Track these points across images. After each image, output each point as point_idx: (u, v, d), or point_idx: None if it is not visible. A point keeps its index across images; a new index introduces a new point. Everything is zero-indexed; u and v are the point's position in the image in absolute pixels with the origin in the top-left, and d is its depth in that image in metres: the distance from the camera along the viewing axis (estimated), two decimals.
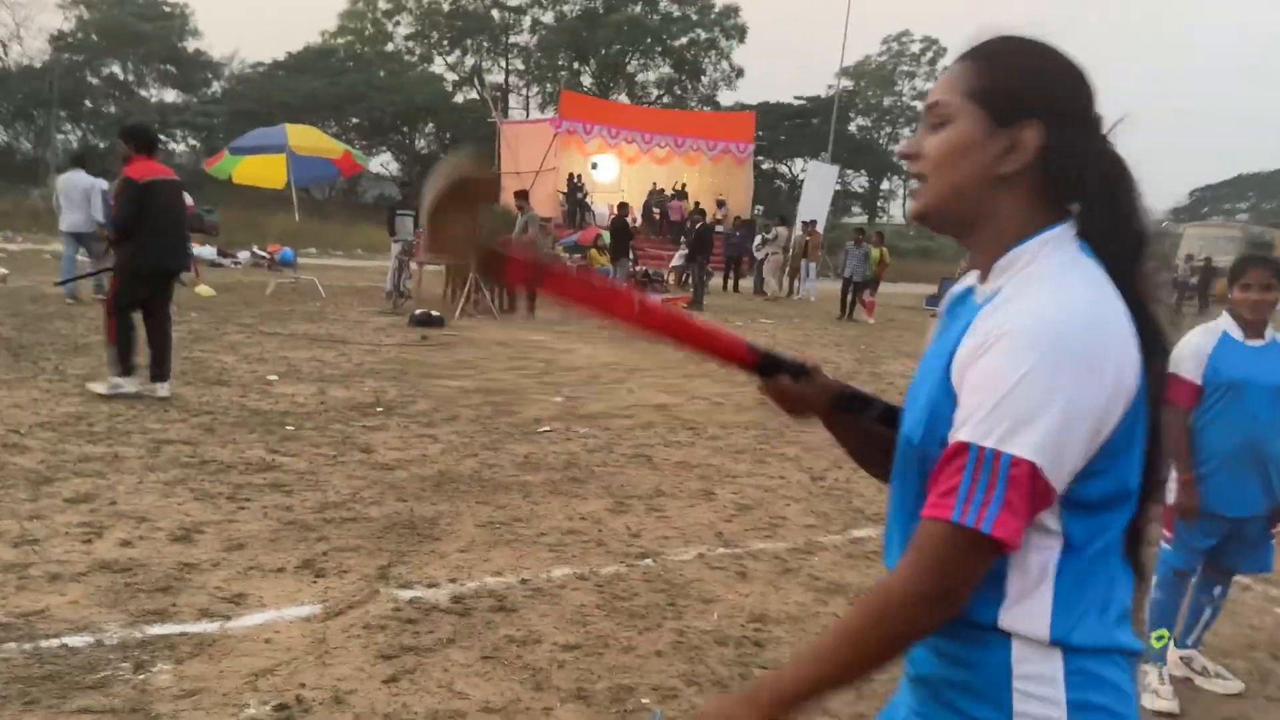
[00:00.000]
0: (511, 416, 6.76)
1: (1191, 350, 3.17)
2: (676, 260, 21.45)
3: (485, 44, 47.81)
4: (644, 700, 2.90)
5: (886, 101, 54.08)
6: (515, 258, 1.30)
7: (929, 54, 54.97)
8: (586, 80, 46.85)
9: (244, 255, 19.06)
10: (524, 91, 49.48)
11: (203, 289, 12.91)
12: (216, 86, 41.13)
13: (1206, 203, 61.81)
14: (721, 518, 4.78)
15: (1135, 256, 1.11)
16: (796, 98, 48.82)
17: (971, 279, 1.20)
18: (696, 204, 24.22)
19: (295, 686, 2.81)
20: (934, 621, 1.06)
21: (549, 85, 47.58)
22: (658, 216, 28.97)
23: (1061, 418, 0.99)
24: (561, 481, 5.18)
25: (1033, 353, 1.00)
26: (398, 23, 47.56)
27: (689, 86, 49.96)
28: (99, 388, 6.35)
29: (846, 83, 49.59)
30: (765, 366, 1.37)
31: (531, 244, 13.47)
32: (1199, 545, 3.25)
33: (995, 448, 1.00)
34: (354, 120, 38.52)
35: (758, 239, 21.52)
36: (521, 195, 14.17)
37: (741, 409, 7.66)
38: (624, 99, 44.26)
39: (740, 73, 49.56)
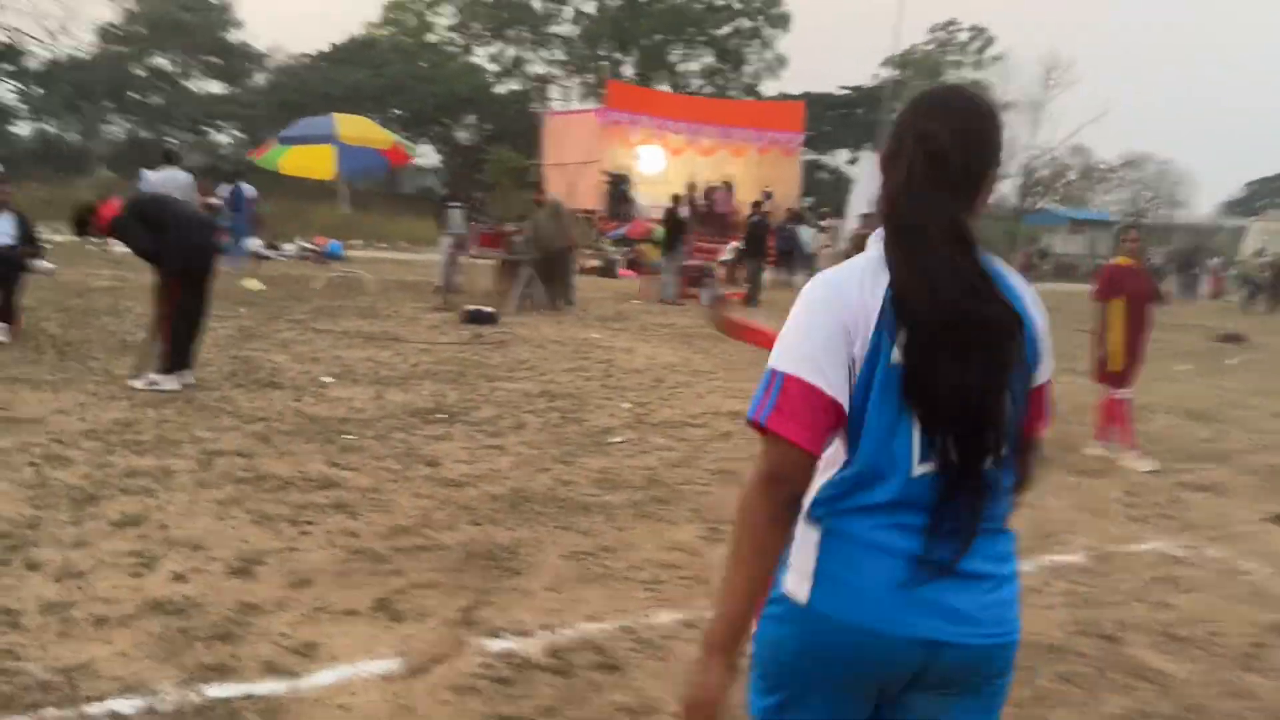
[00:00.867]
0: (580, 425, 6.32)
1: None
2: (727, 254, 20.89)
3: (526, 34, 47.45)
4: None
5: None
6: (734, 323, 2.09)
7: (976, 43, 53.94)
8: (628, 70, 46.33)
9: (290, 248, 18.83)
10: (565, 82, 49.12)
11: (251, 283, 12.63)
12: (260, 78, 41.17)
13: (1263, 195, 59.98)
14: None
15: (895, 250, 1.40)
16: (841, 87, 47.91)
17: None
18: (767, 195, 23.38)
19: None
20: (768, 500, 1.37)
21: (589, 76, 47.15)
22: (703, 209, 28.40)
23: (796, 335, 1.39)
24: (645, 502, 4.71)
25: (798, 302, 1.43)
26: (439, 14, 47.41)
27: (731, 76, 49.30)
28: (137, 383, 6.12)
29: (893, 72, 48.71)
30: None
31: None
32: None
33: (770, 366, 1.39)
34: (396, 111, 38.31)
35: (810, 231, 20.87)
36: (538, 189, 13.87)
37: None
38: (666, 89, 43.64)
39: (783, 61, 48.82)
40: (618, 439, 5.99)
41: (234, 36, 40.79)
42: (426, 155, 41.39)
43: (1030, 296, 1.46)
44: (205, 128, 39.02)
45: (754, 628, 1.44)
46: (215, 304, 10.15)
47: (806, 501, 1.41)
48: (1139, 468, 6.43)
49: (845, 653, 1.37)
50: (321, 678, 2.79)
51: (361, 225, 23.89)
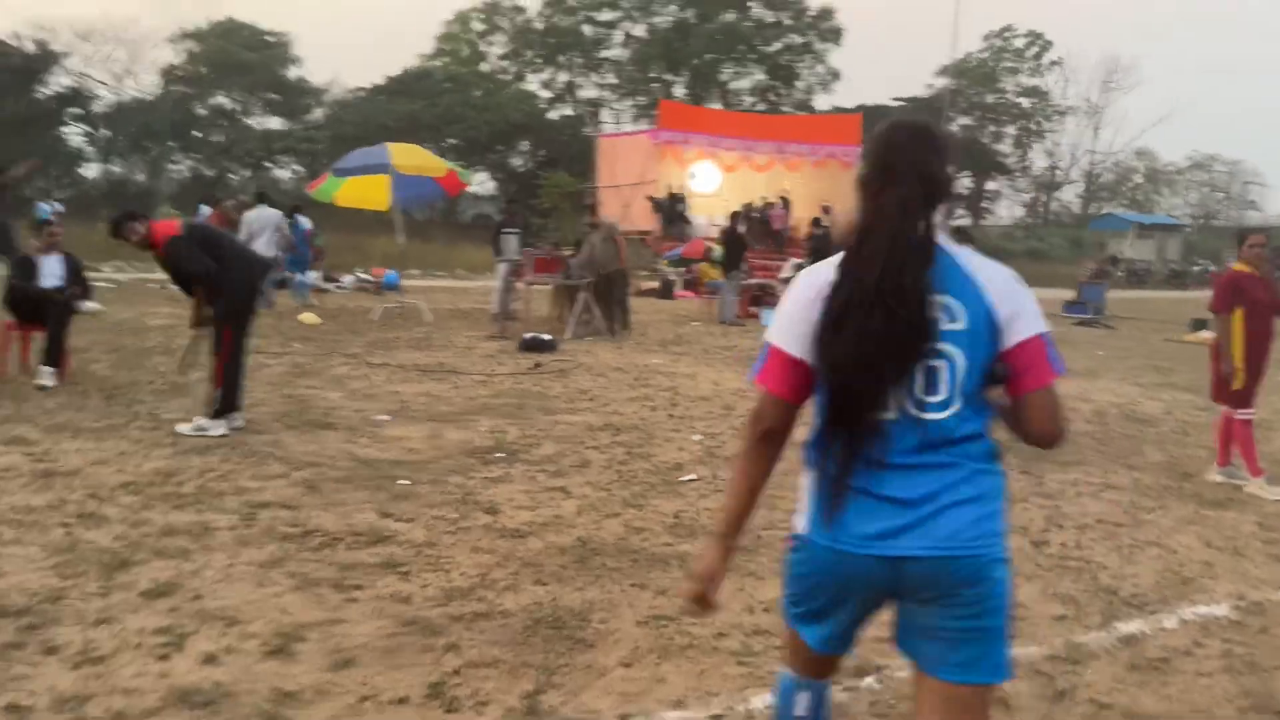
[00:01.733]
0: (648, 461, 5.88)
1: None
2: (787, 271, 20.31)
3: (578, 59, 47.55)
4: None
5: (989, 99, 51.89)
6: None
7: (1034, 48, 52.61)
8: (679, 91, 46.12)
9: (348, 279, 18.78)
10: (615, 105, 49.06)
11: (308, 316, 12.47)
12: (318, 112, 41.78)
13: None
14: None
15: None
16: (895, 99, 47.04)
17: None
18: (825, 209, 22.81)
19: None
20: (753, 433, 1.86)
21: (640, 98, 47.04)
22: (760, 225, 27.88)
23: (780, 315, 1.86)
24: None
25: (788, 291, 1.89)
26: (491, 43, 47.78)
27: (783, 93, 48.79)
28: (184, 428, 5.84)
29: (948, 81, 47.72)
30: None
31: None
32: None
33: (764, 340, 1.88)
34: (450, 140, 38.52)
35: None
36: (591, 210, 13.70)
37: None
38: (717, 108, 43.29)
39: (836, 75, 48.17)
40: (690, 476, 5.53)
41: (292, 73, 41.52)
42: (482, 183, 41.62)
43: (989, 272, 1.79)
44: (266, 163, 39.66)
45: (752, 522, 1.94)
46: (270, 340, 10.08)
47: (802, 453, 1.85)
48: (1269, 496, 5.78)
49: (833, 570, 1.80)
50: None
51: (419, 255, 23.84)
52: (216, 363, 5.97)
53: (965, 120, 50.76)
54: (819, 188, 28.96)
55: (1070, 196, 58.04)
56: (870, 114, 39.64)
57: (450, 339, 11.36)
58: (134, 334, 10.14)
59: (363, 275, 18.92)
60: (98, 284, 13.07)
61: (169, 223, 6.31)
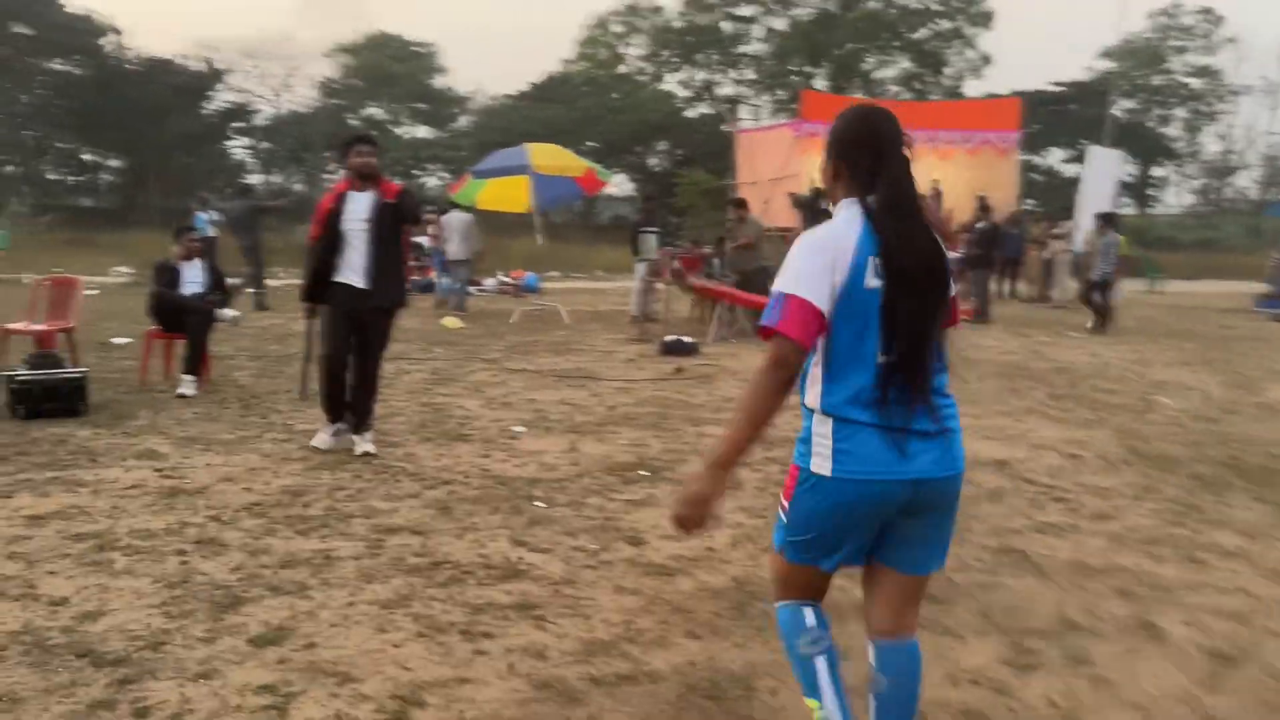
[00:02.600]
0: None
1: None
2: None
3: (716, 56, 46.93)
4: None
5: (1156, 81, 48.21)
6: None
7: (1205, 25, 48.51)
8: (820, 83, 44.82)
9: (490, 282, 18.79)
10: (753, 101, 48.17)
11: (449, 321, 12.38)
12: (463, 120, 42.72)
13: None
14: (1195, 679, 3.01)
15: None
16: (1052, 83, 44.28)
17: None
18: (982, 199, 21.44)
19: None
20: (775, 378, 2.01)
21: (779, 92, 46.00)
22: None
23: (796, 267, 2.05)
24: None
25: (796, 248, 2.10)
26: (630, 44, 47.75)
27: (930, 80, 46.77)
28: (319, 442, 5.61)
29: (1111, 63, 44.61)
30: None
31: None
32: None
33: (777, 290, 2.04)
34: (589, 143, 38.66)
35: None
36: (740, 204, 13.26)
37: (1110, 464, 5.74)
38: (860, 97, 41.80)
39: (988, 60, 45.83)
40: None
41: (438, 82, 42.61)
42: (620, 185, 41.59)
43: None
44: (415, 171, 40.81)
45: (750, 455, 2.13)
46: (413, 345, 9.96)
47: (818, 404, 2.10)
48: None
49: (864, 500, 2.08)
50: None
51: (558, 256, 23.79)
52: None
53: (1129, 104, 47.33)
54: (972, 176, 27.36)
55: (1246, 182, 53.36)
56: (1024, 99, 37.53)
57: (589, 342, 10.99)
58: (278, 340, 10.18)
59: (504, 278, 18.91)
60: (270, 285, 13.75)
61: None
